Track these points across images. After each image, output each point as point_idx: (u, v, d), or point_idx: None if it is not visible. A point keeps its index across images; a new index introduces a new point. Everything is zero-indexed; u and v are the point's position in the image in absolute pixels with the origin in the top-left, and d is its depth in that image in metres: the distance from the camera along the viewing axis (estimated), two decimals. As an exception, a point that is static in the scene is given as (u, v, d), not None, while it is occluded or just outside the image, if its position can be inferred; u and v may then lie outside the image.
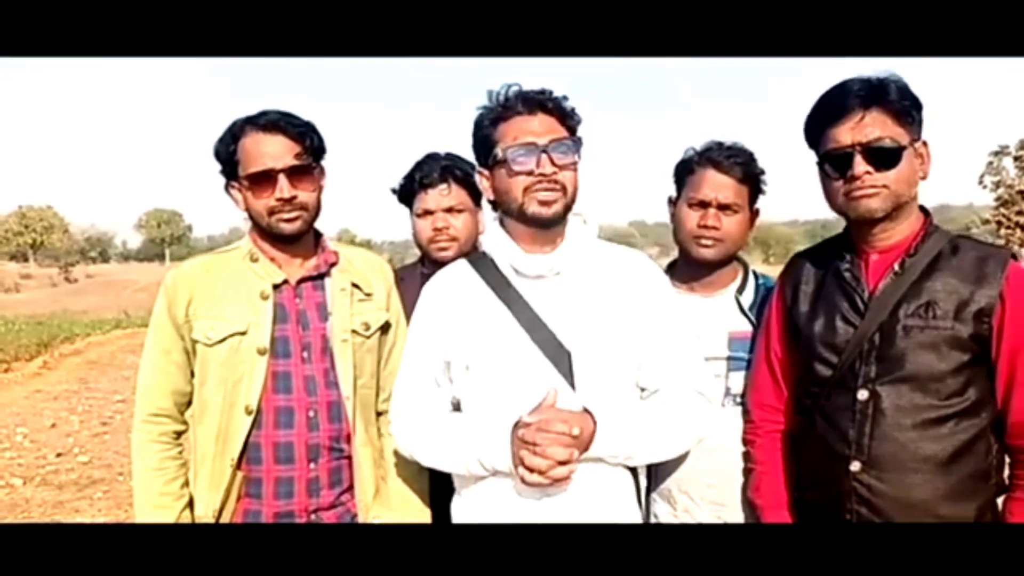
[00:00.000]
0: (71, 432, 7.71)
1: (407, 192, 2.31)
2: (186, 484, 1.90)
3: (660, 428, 1.66)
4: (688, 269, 1.98)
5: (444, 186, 2.24)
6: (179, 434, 1.93)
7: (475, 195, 2.30)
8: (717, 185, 1.98)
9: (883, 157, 1.60)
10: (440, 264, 2.22)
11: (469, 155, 2.31)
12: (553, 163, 1.61)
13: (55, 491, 5.76)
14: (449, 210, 2.24)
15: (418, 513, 2.00)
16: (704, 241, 1.99)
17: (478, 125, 1.70)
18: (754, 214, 2.06)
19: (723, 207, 1.98)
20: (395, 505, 1.97)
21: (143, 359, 1.95)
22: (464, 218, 2.26)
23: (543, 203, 1.63)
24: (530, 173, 1.62)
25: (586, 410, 1.58)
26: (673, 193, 2.11)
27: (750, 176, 2.00)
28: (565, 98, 1.67)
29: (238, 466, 1.85)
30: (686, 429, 1.70)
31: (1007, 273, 1.59)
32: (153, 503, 1.86)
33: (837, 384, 1.70)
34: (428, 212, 2.25)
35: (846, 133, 1.62)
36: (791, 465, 1.87)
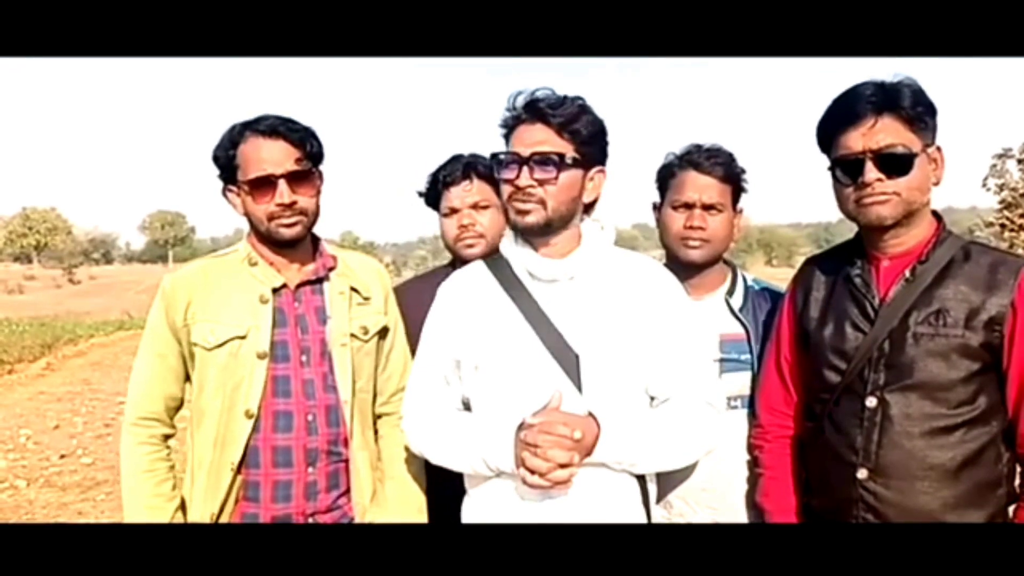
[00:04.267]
0: (75, 434, 7.71)
1: (433, 194, 2.31)
2: (175, 487, 1.90)
3: (666, 437, 1.65)
4: (677, 272, 1.99)
5: (467, 182, 2.23)
6: (167, 437, 1.94)
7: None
8: (700, 186, 2.00)
9: (894, 164, 1.59)
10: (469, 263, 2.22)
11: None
12: (532, 176, 1.62)
13: (59, 493, 5.76)
14: (474, 206, 2.23)
15: (415, 516, 1.99)
16: (691, 243, 2.00)
17: (501, 126, 1.71)
18: (737, 213, 2.08)
19: (707, 207, 2.00)
20: (392, 508, 1.97)
21: (137, 362, 1.95)
22: (490, 214, 2.23)
23: (519, 212, 1.65)
24: (510, 183, 1.64)
25: (591, 415, 1.58)
26: (657, 199, 2.13)
27: (731, 175, 2.03)
28: (582, 110, 1.64)
29: (238, 470, 1.85)
30: (693, 440, 1.69)
31: (1019, 281, 1.57)
32: (145, 504, 1.86)
33: (846, 391, 1.70)
34: (454, 210, 2.24)
35: (857, 139, 1.61)
36: (799, 471, 1.86)
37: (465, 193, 2.23)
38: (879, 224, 1.64)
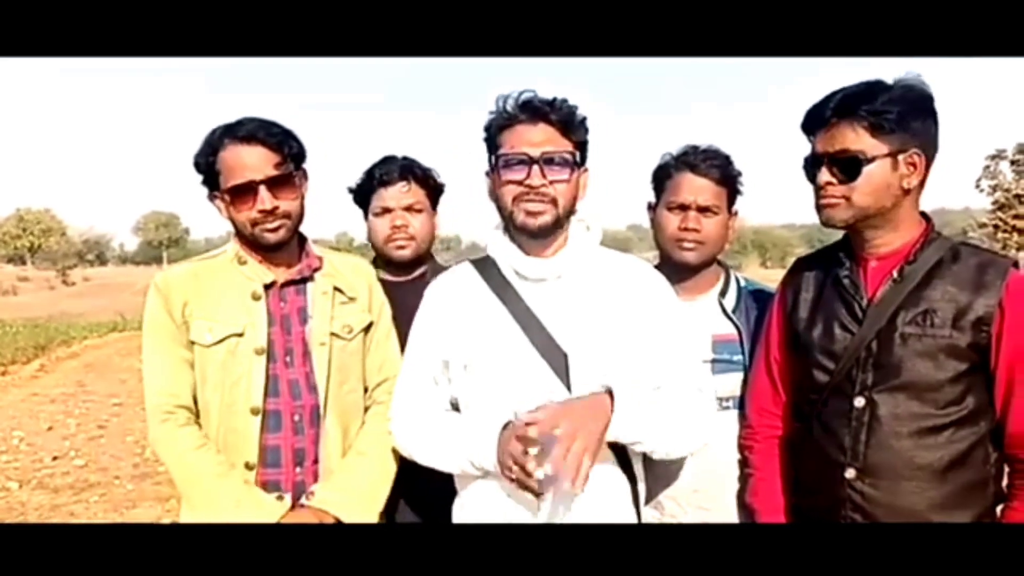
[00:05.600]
0: (67, 435, 7.67)
1: (365, 191, 2.31)
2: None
3: (671, 418, 1.62)
4: (670, 273, 2.00)
5: (403, 183, 2.25)
6: (200, 426, 1.88)
7: (432, 196, 2.32)
8: (695, 188, 2.00)
9: (844, 168, 1.60)
10: (397, 265, 2.24)
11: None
12: (544, 175, 1.62)
13: (51, 494, 5.74)
14: (408, 208, 2.25)
15: (360, 501, 1.88)
16: (686, 244, 2.01)
17: (487, 128, 1.71)
18: (733, 216, 2.08)
19: (702, 209, 2.00)
20: (338, 487, 1.88)
21: (149, 363, 1.89)
22: (422, 218, 2.27)
23: (530, 214, 1.64)
24: (520, 183, 1.63)
25: (608, 391, 1.54)
26: (652, 199, 2.13)
27: (727, 178, 2.03)
28: (575, 108, 1.66)
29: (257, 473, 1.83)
30: (691, 423, 1.66)
31: (1007, 281, 1.58)
32: (215, 472, 1.81)
33: (834, 391, 1.70)
34: (387, 210, 2.26)
35: (819, 142, 1.64)
36: (788, 471, 1.87)
37: (401, 195, 2.25)
38: (830, 226, 1.67)
